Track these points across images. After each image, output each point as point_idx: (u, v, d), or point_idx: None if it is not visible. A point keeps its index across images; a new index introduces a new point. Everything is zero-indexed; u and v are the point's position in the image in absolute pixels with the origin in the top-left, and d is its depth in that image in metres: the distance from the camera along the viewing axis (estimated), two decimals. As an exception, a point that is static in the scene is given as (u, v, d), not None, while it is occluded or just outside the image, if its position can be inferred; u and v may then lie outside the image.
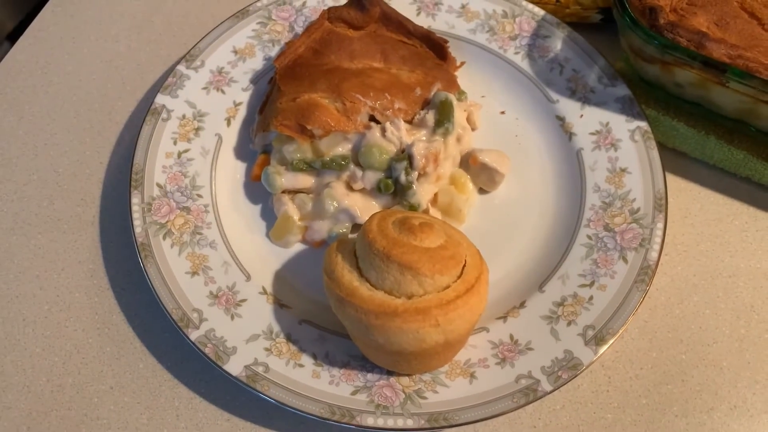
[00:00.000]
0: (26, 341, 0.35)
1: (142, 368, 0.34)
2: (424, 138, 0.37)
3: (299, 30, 0.42)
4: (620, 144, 0.38)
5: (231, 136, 0.39)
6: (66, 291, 0.36)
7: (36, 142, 0.41)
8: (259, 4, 0.42)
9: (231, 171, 0.38)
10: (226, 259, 0.35)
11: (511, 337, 0.33)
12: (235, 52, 0.41)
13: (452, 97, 0.38)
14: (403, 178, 0.36)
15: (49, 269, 0.37)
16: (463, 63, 0.42)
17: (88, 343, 0.35)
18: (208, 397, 0.33)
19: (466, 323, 0.29)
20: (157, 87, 0.40)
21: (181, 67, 0.40)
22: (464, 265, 0.30)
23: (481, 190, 0.38)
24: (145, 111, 0.39)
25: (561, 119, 0.39)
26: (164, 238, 0.35)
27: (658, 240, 0.34)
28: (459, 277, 0.30)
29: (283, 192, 0.37)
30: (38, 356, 0.34)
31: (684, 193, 0.39)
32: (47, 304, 0.36)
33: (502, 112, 0.41)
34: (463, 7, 0.43)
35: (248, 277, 0.35)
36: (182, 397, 0.33)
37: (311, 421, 0.32)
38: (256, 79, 0.41)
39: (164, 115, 0.38)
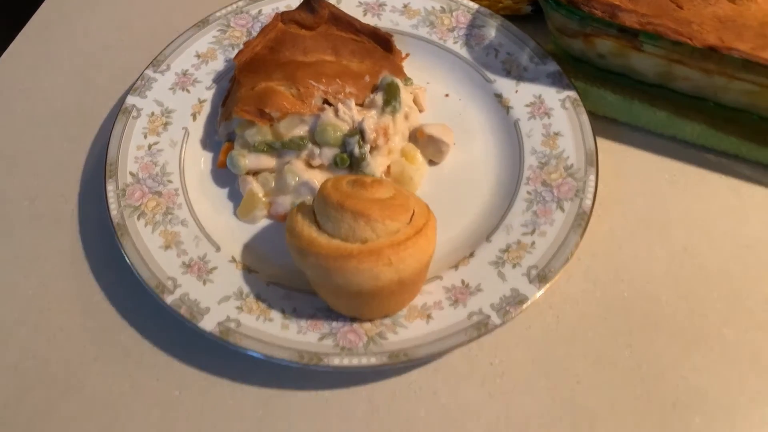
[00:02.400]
0: (12, 325, 0.37)
1: (123, 339, 0.36)
2: (374, 116, 0.40)
3: (256, 34, 0.45)
4: (552, 112, 0.42)
5: (197, 129, 0.42)
6: (49, 278, 0.38)
7: (16, 149, 0.44)
8: (218, 13, 0.46)
9: (198, 160, 0.41)
10: (196, 234, 0.38)
11: (463, 281, 0.36)
12: (198, 56, 0.45)
13: (398, 80, 0.42)
14: (357, 151, 0.39)
15: (32, 260, 0.39)
16: (407, 54, 0.46)
17: (71, 322, 0.37)
18: (186, 360, 0.35)
19: (417, 262, 0.32)
20: (128, 92, 0.43)
21: (148, 71, 0.43)
22: (413, 214, 0.33)
23: (431, 162, 0.42)
24: (115, 116, 0.42)
25: (499, 96, 0.43)
26: (138, 218, 0.37)
27: (591, 189, 0.38)
28: (408, 223, 0.33)
29: (248, 173, 0.40)
30: (24, 338, 0.36)
31: (615, 154, 0.43)
32: (31, 290, 0.38)
33: (446, 95, 0.45)
34: (404, 6, 0.47)
35: (218, 249, 0.37)
36: (161, 363, 0.35)
37: (284, 374, 0.35)
38: (218, 79, 0.44)
39: (134, 113, 0.41)
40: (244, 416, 0.34)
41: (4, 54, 0.48)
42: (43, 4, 0.52)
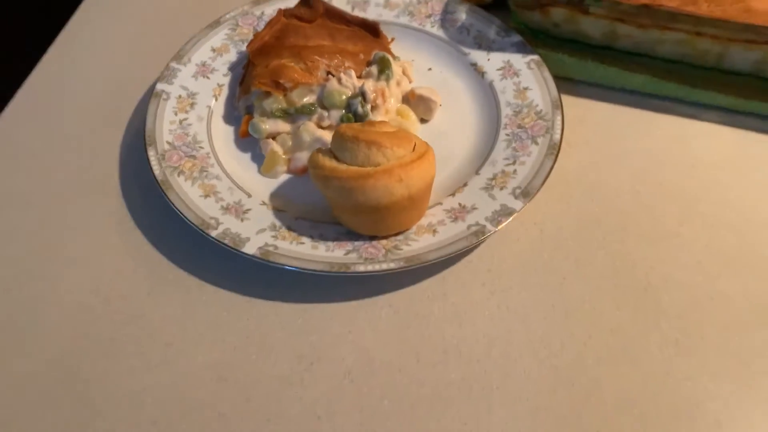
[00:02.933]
0: (73, 273, 0.42)
1: (171, 276, 0.42)
2: (372, 82, 0.47)
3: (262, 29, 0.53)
4: (520, 72, 0.49)
5: (219, 107, 0.49)
6: (101, 235, 0.44)
7: (65, 133, 0.50)
8: (227, 15, 0.54)
9: (223, 132, 0.48)
10: (230, 186, 0.44)
11: (460, 204, 0.42)
12: (214, 50, 0.52)
13: (388, 55, 0.49)
14: (360, 110, 0.46)
15: (85, 224, 0.45)
16: (393, 39, 0.53)
17: (125, 266, 0.42)
18: (229, 287, 0.41)
19: (422, 181, 0.39)
20: (157, 81, 0.50)
21: (173, 63, 0.50)
22: (415, 145, 0.40)
23: (422, 121, 0.49)
24: (148, 99, 0.48)
25: (474, 65, 0.51)
26: (178, 175, 0.44)
27: (558, 126, 0.45)
28: (412, 151, 0.40)
29: (267, 137, 0.46)
30: (88, 280, 0.42)
31: (577, 106, 0.50)
32: (86, 247, 0.43)
33: (429, 69, 0.52)
34: (386, 1, 0.55)
35: (249, 195, 0.44)
36: (207, 291, 0.41)
37: (317, 288, 0.41)
38: (232, 68, 0.51)
39: (164, 96, 0.48)
40: (285, 325, 0.40)
41: (46, 54, 0.55)
42: (76, 16, 0.58)
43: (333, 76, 0.47)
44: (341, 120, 0.46)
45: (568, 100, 0.50)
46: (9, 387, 0.38)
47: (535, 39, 0.52)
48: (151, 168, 0.44)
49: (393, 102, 0.48)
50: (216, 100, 0.49)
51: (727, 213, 0.44)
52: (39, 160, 0.48)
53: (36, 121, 0.51)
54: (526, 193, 0.42)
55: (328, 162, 0.39)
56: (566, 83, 0.51)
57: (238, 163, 0.46)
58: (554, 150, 0.44)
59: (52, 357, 0.39)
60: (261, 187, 0.45)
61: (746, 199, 0.45)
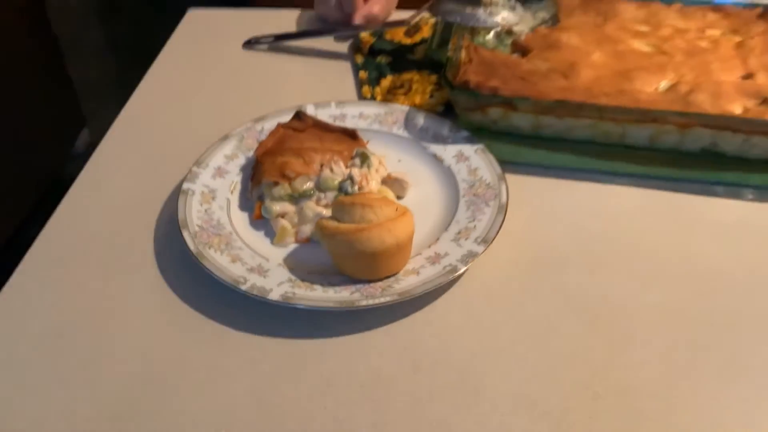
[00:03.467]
0: (120, 342, 0.51)
1: (206, 331, 0.51)
2: (357, 169, 0.60)
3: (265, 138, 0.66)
4: (470, 158, 0.63)
5: (234, 198, 0.61)
6: (142, 304, 0.54)
7: (109, 222, 0.60)
8: (235, 131, 0.67)
9: (240, 216, 0.60)
10: (251, 254, 0.55)
11: (435, 252, 0.54)
12: (226, 157, 0.64)
13: (367, 150, 0.63)
14: (349, 190, 0.58)
15: (127, 295, 0.54)
16: (368, 141, 0.67)
17: (165, 328, 0.52)
18: (256, 331, 0.51)
19: (405, 232, 0.51)
20: (183, 181, 0.62)
21: (194, 168, 0.62)
22: (397, 207, 0.52)
23: (398, 197, 0.62)
24: (177, 197, 0.60)
25: (434, 155, 0.65)
26: (209, 248, 0.54)
27: (504, 193, 0.58)
28: (396, 211, 0.52)
29: (277, 216, 0.58)
30: (127, 340, 0.51)
31: (517, 178, 0.64)
32: (131, 315, 0.53)
33: (399, 161, 0.66)
34: (360, 114, 0.70)
35: (267, 260, 0.54)
36: (235, 337, 0.51)
37: (323, 318, 0.51)
38: (243, 170, 0.64)
39: (190, 193, 0.60)
40: (308, 357, 0.49)
41: (92, 156, 0.67)
42: (110, 133, 0.71)
43: (326, 167, 0.60)
44: (335, 198, 0.58)
45: (510, 175, 0.64)
46: None
47: (479, 133, 0.67)
48: (186, 244, 0.54)
49: (374, 184, 0.60)
50: (232, 193, 0.61)
51: (641, 249, 0.57)
52: (88, 244, 0.59)
53: (87, 215, 0.62)
54: (485, 240, 0.54)
55: (333, 223, 0.51)
56: (506, 164, 0.65)
57: (255, 238, 0.57)
58: (503, 209, 0.57)
59: (108, 419, 0.47)
60: (276, 253, 0.56)
61: (653, 241, 0.58)
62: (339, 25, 0.83)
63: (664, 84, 0.65)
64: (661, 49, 0.70)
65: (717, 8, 0.76)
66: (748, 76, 0.66)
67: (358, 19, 0.80)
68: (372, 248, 0.50)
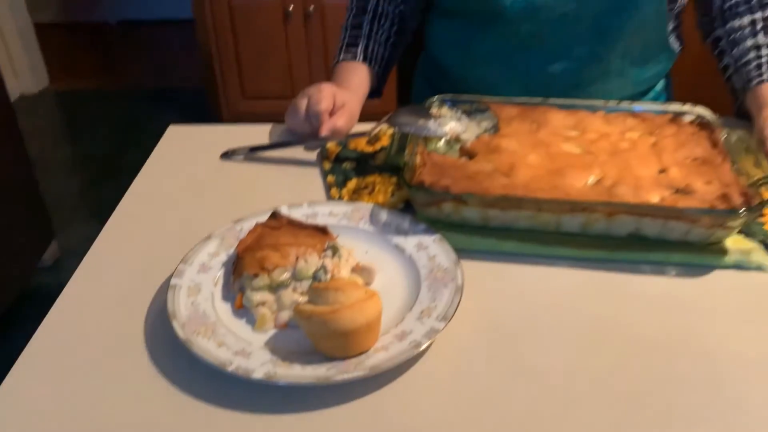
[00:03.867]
0: (115, 422, 0.56)
1: (194, 414, 0.56)
2: (329, 260, 0.68)
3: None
4: (429, 247, 0.71)
5: (218, 291, 0.67)
6: (133, 388, 0.58)
7: (102, 321, 0.65)
8: (217, 231, 0.74)
9: (224, 307, 0.66)
10: (235, 339, 0.61)
11: (402, 330, 0.61)
12: (209, 254, 0.71)
13: (337, 243, 0.70)
14: (323, 278, 0.65)
15: (119, 379, 0.59)
16: (338, 235, 0.75)
17: (155, 411, 0.56)
18: (242, 408, 0.56)
19: (374, 313, 0.58)
20: (171, 277, 0.68)
21: (181, 266, 0.69)
22: (365, 291, 0.60)
23: (366, 284, 0.69)
24: (165, 291, 0.66)
25: (397, 246, 0.73)
26: (197, 336, 0.60)
27: (460, 276, 0.66)
28: (365, 294, 0.59)
29: (257, 305, 0.64)
30: (125, 427, 0.55)
31: (472, 266, 0.72)
32: (125, 401, 0.58)
33: (366, 252, 0.74)
34: (330, 212, 0.78)
35: (250, 344, 0.60)
36: (222, 415, 0.55)
37: (302, 394, 0.56)
38: (225, 265, 0.70)
39: (178, 287, 0.66)
40: (287, 426, 0.54)
41: (86, 257, 0.73)
42: (102, 234, 0.77)
43: (301, 259, 0.67)
44: (310, 287, 0.65)
45: (465, 261, 0.72)
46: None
47: (435, 225, 0.75)
48: (176, 333, 0.60)
49: (345, 272, 0.68)
50: (215, 286, 0.68)
51: (581, 322, 0.65)
52: (85, 333, 0.63)
53: (81, 311, 0.67)
54: (445, 317, 0.61)
55: (309, 307, 0.58)
56: (462, 251, 0.74)
57: (238, 325, 0.63)
58: (459, 290, 0.64)
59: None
60: (258, 338, 0.62)
61: (590, 314, 0.66)
62: (307, 136, 0.93)
63: (591, 179, 0.75)
64: (588, 150, 0.81)
65: (635, 114, 0.88)
66: (663, 170, 0.77)
67: (324, 132, 0.90)
68: (344, 327, 0.56)
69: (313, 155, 0.93)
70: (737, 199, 0.70)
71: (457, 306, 0.63)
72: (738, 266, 0.70)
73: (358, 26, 1.04)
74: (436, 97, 0.91)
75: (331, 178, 0.87)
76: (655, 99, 1.06)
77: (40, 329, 0.65)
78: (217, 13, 2.80)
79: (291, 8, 2.78)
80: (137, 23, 4.71)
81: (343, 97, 0.93)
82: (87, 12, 4.69)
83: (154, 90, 3.66)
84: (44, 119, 3.47)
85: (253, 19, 2.82)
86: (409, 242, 0.73)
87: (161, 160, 0.95)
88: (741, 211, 0.67)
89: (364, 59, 1.01)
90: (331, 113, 0.91)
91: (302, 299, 0.65)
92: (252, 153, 0.93)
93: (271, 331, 0.63)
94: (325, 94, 0.91)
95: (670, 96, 1.10)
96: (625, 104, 0.89)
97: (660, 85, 1.07)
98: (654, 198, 0.72)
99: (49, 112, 3.55)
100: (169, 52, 4.25)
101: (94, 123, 3.35)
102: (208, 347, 0.59)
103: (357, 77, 1.00)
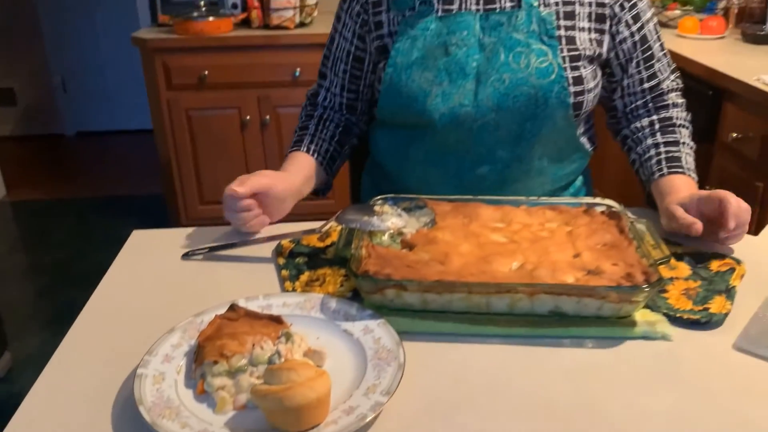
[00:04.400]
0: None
1: (163, 485, 0.61)
2: (282, 346, 0.75)
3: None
4: (374, 330, 0.79)
5: (181, 379, 0.73)
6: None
7: (65, 412, 0.70)
8: (179, 324, 0.81)
9: (186, 393, 0.71)
10: (198, 421, 0.66)
11: (349, 406, 0.68)
12: (172, 345, 0.77)
13: (290, 330, 0.78)
14: (277, 362, 0.72)
15: (90, 468, 0.64)
16: (291, 324, 0.82)
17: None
18: (204, 483, 0.61)
19: (324, 389, 0.65)
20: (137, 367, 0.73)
21: (146, 357, 0.75)
22: (315, 371, 0.67)
23: (318, 366, 0.76)
24: (131, 382, 0.72)
25: (345, 331, 0.80)
26: (162, 418, 0.66)
27: (402, 355, 0.74)
28: (315, 372, 0.66)
29: (217, 389, 0.70)
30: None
31: (414, 346, 0.80)
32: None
33: (318, 338, 0.81)
34: (283, 303, 0.86)
35: (212, 424, 0.66)
36: (190, 488, 0.60)
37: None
38: (186, 355, 0.77)
39: (143, 376, 0.72)
40: (247, 497, 0.59)
41: (56, 353, 0.77)
42: (75, 325, 0.82)
43: (257, 345, 0.74)
44: (266, 370, 0.72)
45: (408, 342, 0.79)
46: None
47: (380, 310, 0.83)
48: (143, 416, 0.66)
49: (297, 356, 0.75)
50: (178, 374, 0.74)
51: (511, 392, 0.72)
52: (54, 415, 0.68)
53: (53, 402, 0.71)
54: (389, 392, 0.68)
55: (264, 386, 0.64)
56: (404, 333, 0.81)
57: (200, 408, 0.69)
58: (401, 367, 0.72)
59: None
60: (218, 419, 0.68)
61: (519, 385, 0.74)
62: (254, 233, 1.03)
63: (515, 264, 0.85)
64: (512, 239, 0.91)
65: (553, 207, 1.00)
66: (577, 255, 0.87)
67: (255, 228, 1.00)
68: (297, 402, 0.63)
69: (268, 252, 1.01)
70: (639, 277, 0.80)
71: (399, 381, 0.70)
72: (645, 337, 0.80)
73: (306, 127, 1.17)
74: (380, 196, 1.01)
75: (285, 272, 0.95)
76: (576, 193, 1.20)
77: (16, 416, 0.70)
78: (176, 122, 2.94)
79: (248, 117, 2.94)
80: (94, 134, 4.83)
81: (279, 191, 1.03)
82: (45, 125, 4.80)
83: (111, 198, 3.72)
84: (-1, 229, 3.47)
85: (211, 128, 2.96)
86: (357, 327, 0.81)
87: (126, 262, 1.01)
88: (642, 287, 0.78)
89: (308, 151, 1.14)
90: (255, 197, 1.00)
91: (259, 382, 0.71)
92: (210, 252, 1.01)
93: (231, 413, 0.69)
94: (240, 185, 1.00)
95: (589, 188, 1.23)
96: (544, 199, 1.02)
97: (579, 181, 1.20)
98: (569, 279, 0.82)
99: (4, 222, 3.55)
100: (126, 162, 4.35)
101: (49, 232, 3.36)
102: (172, 428, 0.64)
103: (297, 163, 1.12)
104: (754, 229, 1.04)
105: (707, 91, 2.12)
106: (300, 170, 1.11)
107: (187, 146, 2.98)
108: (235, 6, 2.98)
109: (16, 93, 4.71)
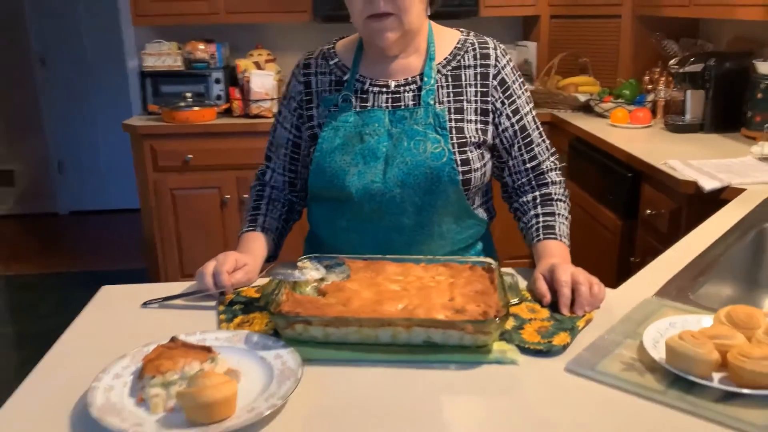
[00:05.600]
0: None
1: (102, 461, 0.81)
2: (207, 366, 0.96)
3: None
4: (284, 356, 1.00)
5: (126, 391, 0.94)
6: (59, 455, 0.83)
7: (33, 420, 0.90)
8: (129, 353, 1.02)
9: (129, 401, 0.92)
10: (135, 417, 0.87)
11: (252, 407, 0.88)
12: (123, 367, 0.98)
13: (216, 356, 0.99)
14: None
15: (48, 452, 0.83)
16: (219, 353, 1.03)
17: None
18: (134, 460, 0.81)
19: (229, 391, 0.86)
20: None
21: (100, 374, 0.96)
22: (225, 378, 0.88)
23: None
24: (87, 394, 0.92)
25: (262, 358, 1.02)
26: (107, 415, 0.86)
27: (300, 372, 0.95)
28: (224, 379, 0.87)
29: (152, 397, 0.91)
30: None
31: (318, 370, 1.00)
32: (52, 458, 0.82)
33: (238, 361, 1.02)
34: (216, 338, 1.07)
35: (145, 420, 0.86)
36: (123, 463, 0.80)
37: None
38: (133, 373, 0.97)
39: (95, 388, 0.92)
40: (164, 468, 0.79)
41: (19, 388, 0.97)
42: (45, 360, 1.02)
43: (187, 365, 0.95)
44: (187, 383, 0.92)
45: (313, 367, 1.00)
46: None
47: (291, 342, 1.04)
48: (92, 415, 0.86)
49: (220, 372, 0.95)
50: (124, 387, 0.94)
51: (395, 408, 0.93)
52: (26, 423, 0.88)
53: (26, 409, 0.91)
54: (283, 397, 0.89)
55: (184, 389, 0.85)
56: (310, 360, 1.02)
57: (138, 411, 0.89)
58: (297, 381, 0.93)
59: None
60: (151, 418, 0.88)
61: (401, 402, 0.94)
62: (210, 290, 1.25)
63: (400, 306, 1.08)
64: (405, 288, 1.14)
65: (445, 264, 1.23)
66: (452, 299, 1.10)
67: (227, 284, 1.21)
68: (206, 400, 0.84)
69: (213, 303, 1.23)
70: (491, 315, 1.02)
71: (293, 390, 0.91)
72: (498, 361, 1.01)
73: (258, 208, 1.41)
74: (305, 255, 1.24)
75: (222, 316, 1.17)
76: (478, 254, 1.43)
77: (-10, 422, 0.90)
78: (161, 201, 3.19)
79: (227, 196, 3.20)
80: (86, 213, 5.08)
81: (244, 259, 1.26)
82: (40, 204, 5.06)
83: (98, 272, 3.93)
84: (-11, 301, 3.65)
85: (193, 206, 3.22)
86: (270, 354, 1.02)
87: (91, 310, 1.23)
88: (489, 321, 1.00)
89: (262, 230, 1.37)
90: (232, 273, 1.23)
91: (181, 391, 0.92)
92: (165, 301, 1.23)
93: (162, 414, 0.89)
94: (229, 259, 1.24)
95: (490, 251, 1.46)
96: (439, 258, 1.25)
97: (479, 246, 1.44)
98: (440, 316, 1.04)
99: (-3, 295, 3.74)
100: (113, 238, 4.59)
101: (37, 304, 3.55)
102: (114, 422, 0.85)
103: (256, 244, 1.35)
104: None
105: (628, 174, 2.40)
106: (260, 251, 1.34)
107: (171, 223, 3.22)
108: (218, 97, 3.31)
109: (15, 175, 5.00)
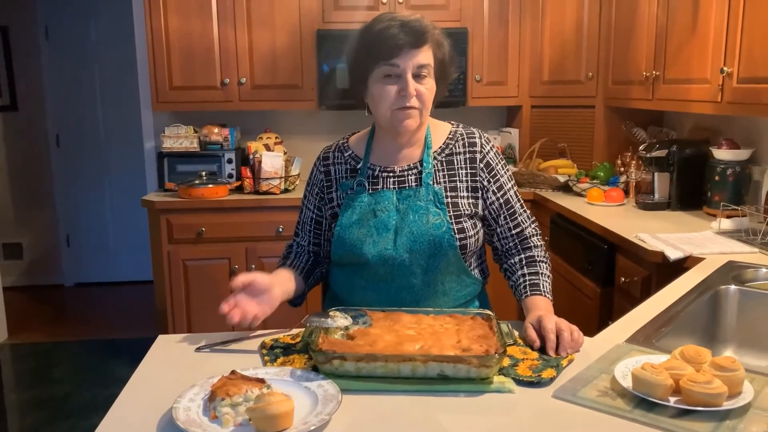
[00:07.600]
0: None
1: (191, 460, 1.02)
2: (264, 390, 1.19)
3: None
4: (325, 385, 1.23)
5: (200, 411, 1.16)
6: (155, 457, 1.04)
7: (123, 435, 1.11)
8: (198, 383, 1.24)
9: (203, 418, 1.14)
10: (213, 428, 1.09)
11: (305, 422, 1.11)
12: (194, 394, 1.21)
13: (270, 385, 1.22)
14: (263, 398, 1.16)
15: (145, 455, 1.05)
16: (270, 383, 1.26)
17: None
18: (216, 459, 1.03)
19: (289, 407, 1.09)
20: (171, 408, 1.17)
21: (178, 398, 1.18)
22: (284, 396, 1.11)
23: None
24: (167, 416, 1.15)
25: (306, 386, 1.25)
26: (191, 426, 1.08)
27: (340, 396, 1.18)
28: (283, 397, 1.10)
29: (224, 414, 1.13)
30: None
31: (353, 398, 1.23)
32: (150, 459, 1.03)
33: (287, 391, 1.24)
34: (265, 373, 1.30)
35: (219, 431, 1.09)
36: (208, 461, 1.02)
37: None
38: (203, 399, 1.20)
39: (177, 408, 1.15)
40: (242, 464, 1.01)
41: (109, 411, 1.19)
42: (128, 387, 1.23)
43: (249, 390, 1.18)
44: (255, 401, 1.15)
45: (349, 395, 1.22)
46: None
47: (329, 375, 1.27)
48: (179, 426, 1.08)
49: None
50: (199, 408, 1.17)
51: (411, 426, 1.16)
52: (118, 441, 1.09)
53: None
54: (329, 414, 1.12)
55: (254, 405, 1.08)
56: (347, 390, 1.25)
57: (213, 426, 1.11)
58: (339, 403, 1.16)
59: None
60: (225, 430, 1.10)
61: (419, 420, 1.17)
62: (246, 330, 1.48)
63: (417, 346, 1.32)
64: (419, 333, 1.39)
65: (451, 315, 1.48)
66: (458, 341, 1.34)
67: (236, 319, 1.44)
68: (273, 412, 1.06)
69: (256, 346, 1.47)
70: (492, 352, 1.27)
71: (336, 409, 1.14)
72: (498, 390, 1.25)
73: (286, 257, 1.69)
74: (335, 307, 1.49)
75: (267, 358, 1.40)
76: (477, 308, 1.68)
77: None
78: (174, 271, 3.42)
79: (236, 266, 3.43)
80: (91, 285, 5.27)
81: (264, 280, 1.49)
82: (46, 276, 5.24)
83: (106, 341, 4.09)
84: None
85: (204, 276, 3.44)
86: (313, 384, 1.25)
87: (153, 357, 1.46)
88: (491, 356, 1.24)
89: (290, 266, 1.63)
90: (253, 294, 1.46)
91: (250, 410, 1.14)
92: (217, 346, 1.46)
93: (232, 427, 1.12)
94: (248, 275, 1.47)
95: (486, 307, 1.72)
96: (446, 310, 1.50)
97: (477, 303, 1.70)
98: (450, 353, 1.28)
99: (5, 363, 3.88)
100: (118, 309, 4.76)
101: (47, 371, 3.70)
102: (197, 430, 1.07)
103: (283, 274, 1.61)
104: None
105: (604, 246, 2.68)
106: (285, 279, 1.59)
107: (182, 292, 3.43)
108: (230, 176, 3.60)
109: (23, 248, 5.21)
